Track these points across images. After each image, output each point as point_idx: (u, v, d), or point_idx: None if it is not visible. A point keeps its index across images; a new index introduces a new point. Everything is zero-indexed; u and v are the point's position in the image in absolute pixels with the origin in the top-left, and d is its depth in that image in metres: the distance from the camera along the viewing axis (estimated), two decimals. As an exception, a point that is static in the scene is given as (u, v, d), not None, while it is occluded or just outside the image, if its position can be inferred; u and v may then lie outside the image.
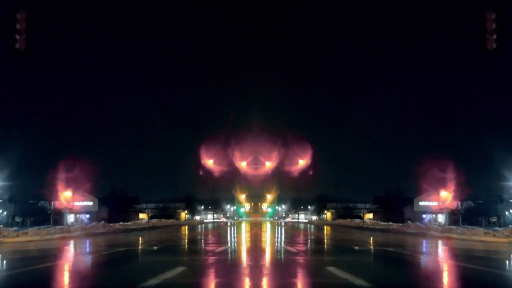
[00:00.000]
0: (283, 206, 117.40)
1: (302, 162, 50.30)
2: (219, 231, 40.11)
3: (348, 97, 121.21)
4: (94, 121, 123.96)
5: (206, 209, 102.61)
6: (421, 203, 66.50)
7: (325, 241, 27.36)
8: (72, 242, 25.87)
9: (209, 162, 49.92)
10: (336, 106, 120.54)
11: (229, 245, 21.00)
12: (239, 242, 24.52)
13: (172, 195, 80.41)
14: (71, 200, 52.98)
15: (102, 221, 48.74)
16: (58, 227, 41.42)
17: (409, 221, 51.30)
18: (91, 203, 65.15)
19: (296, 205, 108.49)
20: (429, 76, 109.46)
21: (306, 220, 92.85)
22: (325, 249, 20.00)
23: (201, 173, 44.10)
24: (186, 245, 22.08)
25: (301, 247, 20.33)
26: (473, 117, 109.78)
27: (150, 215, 57.92)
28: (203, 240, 27.55)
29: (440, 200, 43.80)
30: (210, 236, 31.70)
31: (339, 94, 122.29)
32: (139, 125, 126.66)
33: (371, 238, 28.58)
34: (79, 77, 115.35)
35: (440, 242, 25.75)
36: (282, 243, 23.34)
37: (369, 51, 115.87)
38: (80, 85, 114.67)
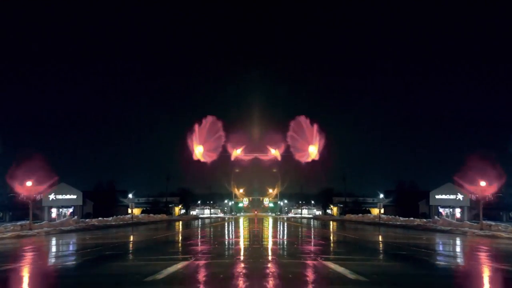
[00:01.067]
0: (285, 201, 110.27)
1: (307, 154, 42.62)
2: (208, 229, 32.35)
3: (355, 83, 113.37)
4: (80, 111, 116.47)
5: (203, 204, 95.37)
6: (437, 197, 59.29)
7: (367, 246, 18.45)
8: (8, 245, 18.85)
9: (205, 153, 42.29)
10: (342, 93, 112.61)
11: (204, 259, 12.42)
12: (230, 251, 16.18)
13: (165, 189, 73.24)
14: (40, 191, 45.64)
15: (75, 217, 41.66)
16: (19, 223, 34.34)
17: (435, 216, 44.44)
18: (74, 197, 57.85)
19: (299, 200, 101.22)
20: (448, 67, 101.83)
21: (311, 216, 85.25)
22: (401, 271, 10.57)
23: (195, 160, 36.52)
24: (131, 256, 14.10)
25: (347, 262, 11.54)
26: (492, 110, 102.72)
27: (133, 209, 50.31)
28: (173, 244, 19.72)
29: (478, 191, 36.37)
30: (190, 237, 23.61)
31: (346, 81, 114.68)
32: (130, 114, 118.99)
33: (417, 241, 20.48)
34: (67, 68, 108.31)
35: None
36: (307, 253, 14.23)
37: (382, 40, 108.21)
38: (68, 77, 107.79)
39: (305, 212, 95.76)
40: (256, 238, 21.20)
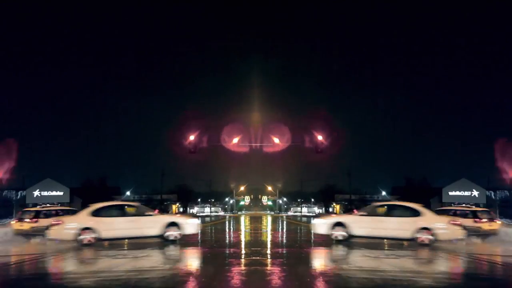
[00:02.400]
0: (284, 199, 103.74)
1: (315, 144, 35.77)
2: None
3: (363, 72, 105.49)
4: (69, 103, 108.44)
5: (203, 201, 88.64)
6: (451, 193, 52.38)
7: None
8: None
9: (199, 142, 35.45)
10: (349, 82, 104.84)
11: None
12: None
13: (162, 186, 66.33)
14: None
15: None
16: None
17: None
18: (61, 193, 51.02)
19: (298, 198, 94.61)
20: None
21: (311, 214, 78.37)
22: None
23: (188, 148, 30.02)
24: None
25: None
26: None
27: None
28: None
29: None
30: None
31: (351, 70, 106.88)
32: (124, 107, 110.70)
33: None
34: (55, 60, 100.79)
35: None
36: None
37: (394, 31, 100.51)
38: (57, 67, 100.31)
39: (304, 210, 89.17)
40: (256, 248, 13.68)
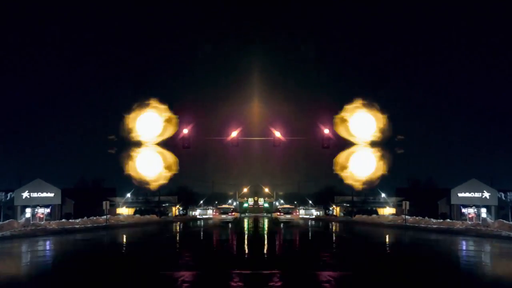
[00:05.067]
0: (281, 201, 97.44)
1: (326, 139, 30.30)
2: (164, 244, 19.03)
3: (364, 69, 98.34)
4: (62, 100, 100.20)
5: (207, 203, 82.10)
6: (460, 195, 46.13)
7: None
8: None
9: (192, 136, 29.83)
10: (350, 79, 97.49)
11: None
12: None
13: (163, 188, 59.80)
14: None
15: (23, 218, 28.69)
16: None
17: (487, 218, 31.75)
18: (51, 195, 44.82)
19: (294, 200, 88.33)
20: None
21: (308, 216, 71.92)
22: None
23: (185, 147, 24.69)
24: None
25: None
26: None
27: (123, 209, 37.64)
28: None
29: None
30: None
31: (353, 66, 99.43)
32: (118, 101, 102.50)
33: None
34: (46, 55, 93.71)
35: None
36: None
37: (402, 25, 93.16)
38: (54, 67, 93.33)
39: (302, 212, 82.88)
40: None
